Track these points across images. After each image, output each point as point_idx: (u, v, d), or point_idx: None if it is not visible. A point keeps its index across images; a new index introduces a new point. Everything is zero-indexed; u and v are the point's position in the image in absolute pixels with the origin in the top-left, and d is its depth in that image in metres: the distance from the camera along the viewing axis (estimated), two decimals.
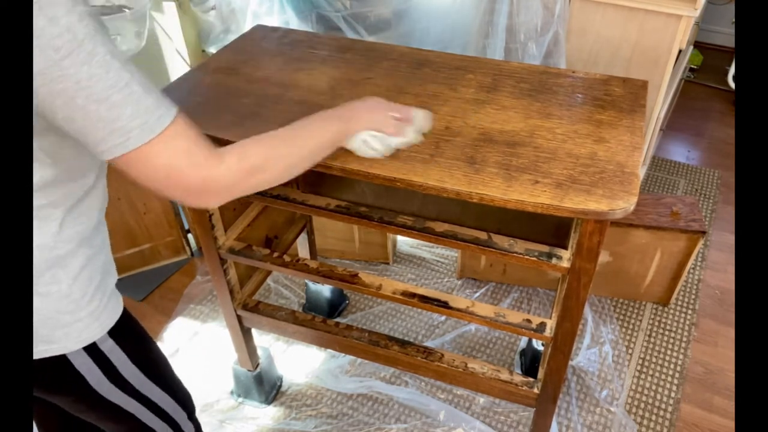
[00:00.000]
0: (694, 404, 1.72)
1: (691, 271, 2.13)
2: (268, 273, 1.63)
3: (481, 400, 1.71)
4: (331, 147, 0.94)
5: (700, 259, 2.18)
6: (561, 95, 1.16)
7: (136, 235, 2.07)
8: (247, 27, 1.90)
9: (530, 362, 1.71)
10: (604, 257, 1.91)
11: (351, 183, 1.28)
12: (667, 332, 1.92)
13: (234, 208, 1.40)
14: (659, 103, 1.79)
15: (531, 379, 1.30)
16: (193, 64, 2.00)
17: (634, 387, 1.76)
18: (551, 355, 1.18)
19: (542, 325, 1.19)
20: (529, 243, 1.10)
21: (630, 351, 1.86)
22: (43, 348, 0.84)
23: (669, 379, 1.78)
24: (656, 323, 1.95)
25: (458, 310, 1.22)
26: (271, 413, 1.70)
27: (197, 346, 1.89)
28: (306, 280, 1.98)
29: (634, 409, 1.70)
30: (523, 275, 2.05)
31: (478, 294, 2.05)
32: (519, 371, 1.69)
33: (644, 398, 1.73)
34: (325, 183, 1.28)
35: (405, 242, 2.24)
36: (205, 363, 1.83)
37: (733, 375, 1.79)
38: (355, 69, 1.26)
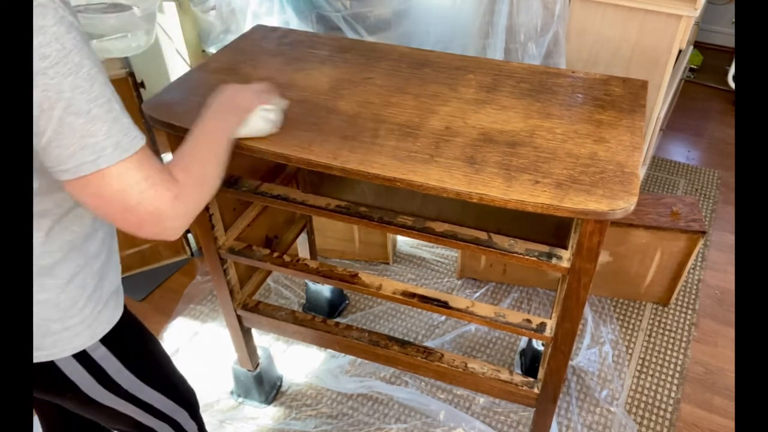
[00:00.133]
0: (694, 404, 1.72)
1: (691, 271, 2.13)
2: (268, 273, 1.63)
3: (481, 400, 1.71)
4: (229, 143, 0.94)
5: (700, 259, 2.18)
6: (561, 95, 1.16)
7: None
8: (247, 27, 1.90)
9: (530, 362, 1.71)
10: (604, 257, 1.91)
11: (351, 183, 1.29)
12: (667, 332, 1.92)
13: (234, 208, 1.40)
14: (659, 103, 1.79)
15: (531, 379, 1.30)
16: (193, 64, 2.00)
17: (634, 387, 1.76)
18: (551, 355, 1.18)
19: (542, 325, 1.19)
20: (529, 243, 1.10)
21: (630, 351, 1.86)
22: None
23: (669, 379, 1.78)
24: (656, 323, 1.95)
25: (458, 310, 1.22)
26: (271, 413, 1.70)
27: (197, 346, 1.89)
28: (306, 280, 1.98)
29: (634, 409, 1.70)
30: (523, 275, 2.05)
31: (478, 294, 2.05)
32: (519, 371, 1.69)
33: (644, 398, 1.73)
34: (325, 183, 1.28)
35: (405, 242, 2.24)
36: (205, 363, 1.83)
37: (733, 375, 1.79)
38: (355, 69, 1.26)
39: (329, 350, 1.84)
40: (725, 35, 3.58)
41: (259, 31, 1.44)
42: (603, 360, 1.82)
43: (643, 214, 1.83)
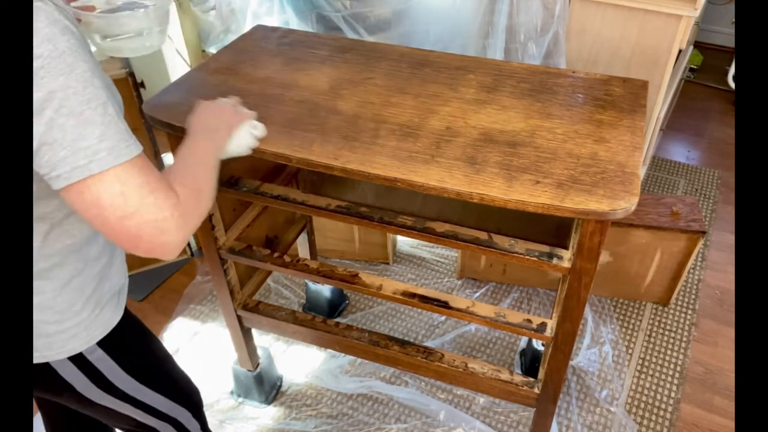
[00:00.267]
0: (694, 404, 1.72)
1: (691, 271, 2.13)
2: (268, 273, 1.63)
3: (481, 400, 1.71)
4: (218, 162, 0.91)
5: (700, 259, 2.18)
6: (561, 95, 1.16)
7: None
8: (247, 27, 1.90)
9: (530, 362, 1.71)
10: (604, 257, 1.91)
11: (351, 183, 1.29)
12: (667, 332, 1.92)
13: (234, 209, 1.40)
14: (659, 103, 1.79)
15: (531, 379, 1.30)
16: (193, 64, 2.00)
17: (634, 387, 1.76)
18: (551, 355, 1.18)
19: (543, 325, 1.19)
20: (530, 243, 1.10)
21: (630, 351, 1.86)
22: None
23: (669, 379, 1.78)
24: (656, 323, 1.95)
25: (458, 310, 1.22)
26: (271, 413, 1.70)
27: (197, 346, 1.89)
28: (306, 280, 1.98)
29: (634, 409, 1.70)
30: (523, 275, 2.05)
31: (478, 294, 2.05)
32: (519, 371, 1.69)
33: (644, 398, 1.73)
34: (325, 183, 1.28)
35: (405, 242, 2.24)
36: (205, 363, 1.83)
37: (733, 375, 1.79)
38: (355, 69, 1.26)
39: (329, 350, 1.84)
40: (725, 35, 3.58)
41: (259, 31, 1.44)
42: (603, 360, 1.82)
43: (643, 214, 1.83)
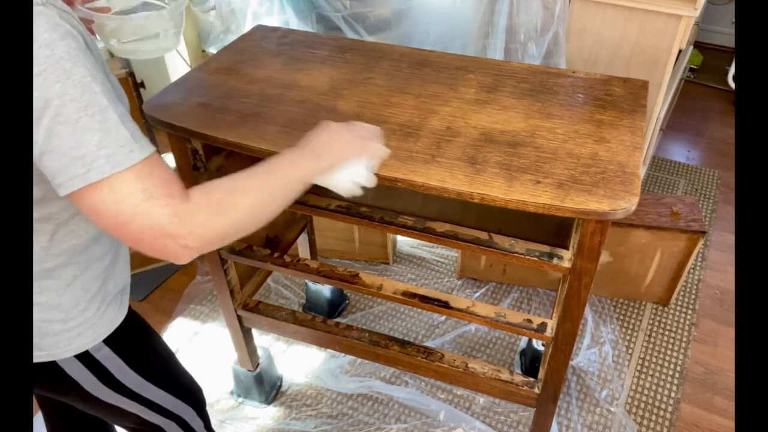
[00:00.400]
0: (694, 404, 1.72)
1: (691, 271, 2.13)
2: (269, 273, 1.63)
3: (481, 400, 1.71)
4: (301, 186, 0.83)
5: (700, 259, 2.18)
6: (561, 95, 1.16)
7: None
8: (247, 27, 1.90)
9: (530, 362, 1.71)
10: (604, 257, 1.91)
11: None
12: (667, 332, 1.92)
13: None
14: (659, 103, 1.79)
15: (531, 379, 1.30)
16: (193, 65, 2.00)
17: (634, 387, 1.76)
18: (552, 355, 1.18)
19: (543, 325, 1.19)
20: (530, 243, 1.10)
21: (630, 351, 1.86)
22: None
23: (669, 379, 1.78)
24: (656, 323, 1.95)
25: (459, 310, 1.22)
26: (271, 413, 1.70)
27: (197, 346, 1.89)
28: (306, 280, 1.98)
29: (634, 409, 1.70)
30: (524, 275, 2.05)
31: (478, 294, 2.05)
32: (519, 371, 1.69)
33: (644, 398, 1.73)
34: None
35: (405, 242, 2.24)
36: (205, 363, 1.83)
37: (733, 375, 1.79)
38: (355, 69, 1.26)
39: (329, 350, 1.84)
40: (725, 35, 3.58)
41: (259, 31, 1.44)
42: (603, 360, 1.82)
43: (643, 214, 1.83)
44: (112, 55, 1.86)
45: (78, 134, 0.63)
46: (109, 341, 0.90)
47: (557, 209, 0.90)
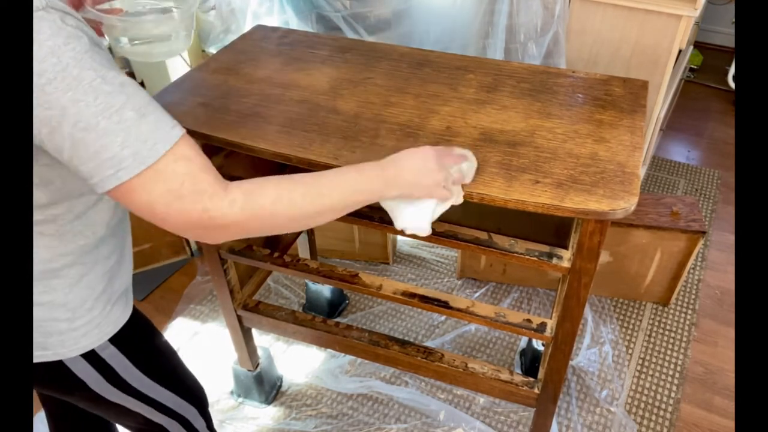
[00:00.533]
0: (694, 404, 1.72)
1: (691, 271, 2.13)
2: (268, 273, 1.63)
3: (481, 400, 1.71)
4: (362, 202, 0.81)
5: (700, 259, 2.18)
6: (561, 95, 1.16)
7: (136, 235, 2.05)
8: (247, 27, 1.90)
9: (530, 362, 1.71)
10: (604, 257, 1.91)
11: None
12: (667, 332, 1.92)
13: None
14: (659, 103, 1.79)
15: (531, 379, 1.30)
16: (194, 65, 2.00)
17: (634, 387, 1.76)
18: (551, 355, 1.18)
19: (542, 325, 1.19)
20: (530, 243, 1.10)
21: (630, 351, 1.86)
22: (37, 353, 0.84)
23: (669, 379, 1.78)
24: (656, 323, 1.95)
25: (458, 310, 1.22)
26: (271, 413, 1.70)
27: (197, 346, 1.89)
28: (306, 280, 1.98)
29: (634, 409, 1.70)
30: (523, 275, 2.05)
31: (478, 294, 2.05)
32: (519, 371, 1.69)
33: (644, 398, 1.73)
34: None
35: (405, 242, 2.24)
36: (205, 363, 1.83)
37: (733, 375, 1.79)
38: (355, 69, 1.26)
39: (329, 350, 1.84)
40: (725, 35, 3.58)
41: (259, 31, 1.44)
42: (603, 360, 1.82)
43: (643, 214, 1.83)
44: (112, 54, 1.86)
45: (101, 139, 0.64)
46: (114, 340, 0.90)
47: (557, 209, 0.90)
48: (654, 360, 1.83)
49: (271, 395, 1.73)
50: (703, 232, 1.78)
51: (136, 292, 2.07)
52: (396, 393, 1.73)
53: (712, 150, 2.82)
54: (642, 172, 2.08)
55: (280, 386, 1.77)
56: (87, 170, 0.65)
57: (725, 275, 2.13)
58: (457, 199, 0.90)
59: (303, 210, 0.75)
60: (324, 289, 1.91)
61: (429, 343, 1.87)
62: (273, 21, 1.91)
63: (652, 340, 1.89)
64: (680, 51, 1.72)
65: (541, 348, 1.66)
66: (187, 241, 2.20)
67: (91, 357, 0.88)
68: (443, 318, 1.95)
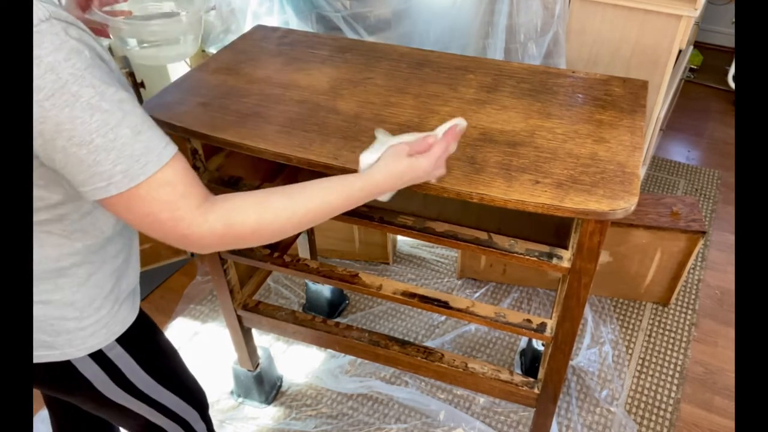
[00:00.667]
0: (694, 404, 1.72)
1: (691, 271, 2.13)
2: (268, 273, 1.63)
3: (481, 400, 1.71)
4: (350, 205, 0.82)
5: (700, 259, 2.18)
6: (561, 95, 1.16)
7: None
8: (247, 27, 1.90)
9: (530, 362, 1.71)
10: (604, 257, 1.91)
11: None
12: (667, 332, 1.92)
13: None
14: (659, 103, 1.79)
15: (531, 379, 1.30)
16: (193, 64, 2.00)
17: (634, 387, 1.76)
18: (551, 355, 1.18)
19: (542, 325, 1.19)
20: (530, 243, 1.10)
21: (630, 351, 1.86)
22: (44, 353, 0.84)
23: (669, 379, 1.78)
24: (656, 323, 1.95)
25: (458, 310, 1.22)
26: (271, 413, 1.70)
27: (197, 346, 1.89)
28: (306, 280, 1.98)
29: (634, 409, 1.70)
30: (523, 275, 2.05)
31: (478, 294, 2.05)
32: (519, 371, 1.69)
33: (644, 398, 1.73)
34: None
35: (405, 242, 2.24)
36: (205, 363, 1.83)
37: (733, 375, 1.79)
38: (355, 69, 1.26)
39: (329, 350, 1.84)
40: (725, 35, 3.58)
41: (259, 31, 1.44)
42: (603, 360, 1.82)
43: (643, 214, 1.83)
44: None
45: (93, 154, 0.65)
46: (121, 340, 0.90)
47: (556, 209, 0.90)
48: (654, 360, 1.83)
49: (271, 395, 1.73)
50: (703, 232, 1.78)
51: None
52: (396, 393, 1.73)
53: (712, 150, 2.82)
54: (642, 172, 2.08)
55: (280, 386, 1.77)
56: (78, 180, 0.67)
57: (725, 275, 2.13)
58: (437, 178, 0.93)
59: (285, 230, 0.76)
60: (324, 289, 1.91)
61: (429, 343, 1.87)
62: (273, 21, 1.91)
63: (652, 340, 1.89)
64: (680, 51, 1.72)
65: (541, 348, 1.66)
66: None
67: (99, 357, 0.88)
68: (443, 318, 1.95)
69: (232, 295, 1.45)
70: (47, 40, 0.61)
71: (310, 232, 1.79)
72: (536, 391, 1.28)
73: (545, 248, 1.09)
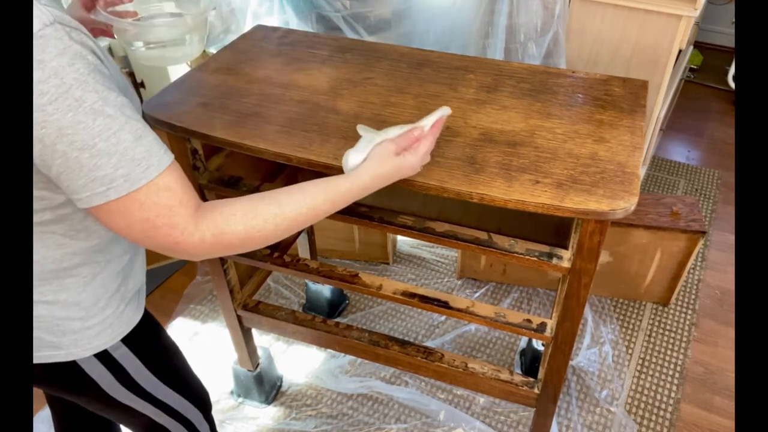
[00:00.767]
0: (694, 404, 1.72)
1: (691, 271, 2.13)
2: (268, 273, 1.63)
3: (481, 400, 1.71)
4: (338, 207, 0.83)
5: (700, 259, 2.18)
6: (561, 95, 1.16)
7: None
8: (247, 27, 1.90)
9: (530, 362, 1.71)
10: (604, 257, 1.91)
11: None
12: (667, 332, 1.92)
13: None
14: (659, 103, 1.79)
15: (531, 379, 1.30)
16: (194, 64, 2.00)
17: (634, 387, 1.76)
18: (551, 355, 1.18)
19: (542, 325, 1.19)
20: (530, 243, 1.10)
21: (630, 351, 1.86)
22: (50, 353, 0.84)
23: (669, 379, 1.78)
24: (656, 323, 1.95)
25: (458, 310, 1.22)
26: (271, 413, 1.70)
27: (197, 346, 1.89)
28: (306, 280, 1.98)
29: (634, 409, 1.70)
30: (523, 275, 2.05)
31: (478, 294, 2.05)
32: (519, 371, 1.69)
33: (644, 398, 1.73)
34: None
35: (405, 242, 2.24)
36: (205, 363, 1.83)
37: (733, 375, 1.79)
38: (355, 69, 1.26)
39: (329, 350, 1.84)
40: (725, 35, 3.58)
41: (259, 31, 1.44)
42: (603, 360, 1.82)
43: (643, 214, 1.83)
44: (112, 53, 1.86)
45: (95, 158, 0.64)
46: (126, 340, 0.90)
47: (556, 209, 0.90)
48: (654, 360, 1.83)
49: (271, 395, 1.73)
50: (703, 232, 1.78)
51: None
52: (396, 393, 1.73)
53: (712, 150, 2.82)
54: (642, 172, 2.08)
55: (280, 386, 1.77)
56: (75, 186, 0.66)
57: (725, 275, 2.13)
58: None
59: (274, 236, 0.77)
60: (324, 289, 1.91)
61: (429, 343, 1.87)
62: (273, 21, 1.91)
63: (652, 340, 1.89)
64: (680, 51, 1.72)
65: (541, 348, 1.66)
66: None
67: (104, 357, 0.88)
68: (443, 318, 1.95)
69: (232, 295, 1.45)
70: (51, 45, 0.61)
71: (310, 232, 1.79)
72: (536, 391, 1.28)
73: (545, 248, 1.09)
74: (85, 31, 0.67)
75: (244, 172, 1.31)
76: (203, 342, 1.91)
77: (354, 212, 1.18)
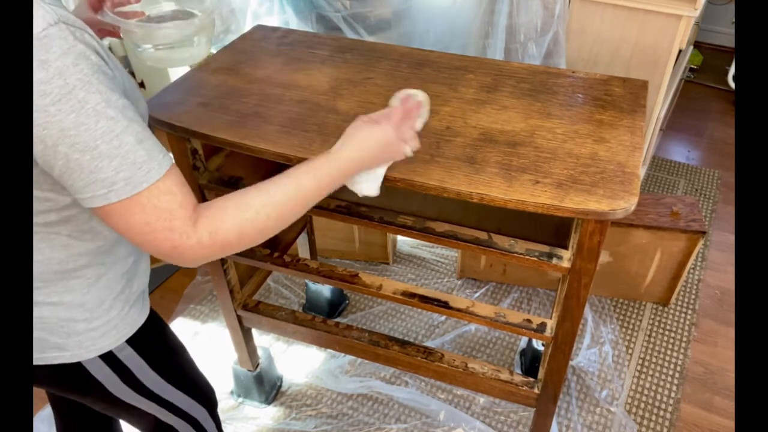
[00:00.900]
0: (694, 404, 1.72)
1: (691, 271, 2.13)
2: (268, 273, 1.63)
3: (481, 400, 1.71)
4: (327, 186, 0.83)
5: (700, 259, 2.18)
6: (561, 95, 1.16)
7: None
8: (247, 27, 1.90)
9: (530, 362, 1.71)
10: (604, 257, 1.91)
11: None
12: (667, 332, 1.92)
13: None
14: (659, 103, 1.79)
15: (531, 379, 1.30)
16: (194, 65, 2.00)
17: (634, 387, 1.76)
18: (551, 355, 1.18)
19: (542, 325, 1.19)
20: (530, 243, 1.10)
21: (630, 351, 1.86)
22: (55, 354, 0.84)
23: (669, 379, 1.78)
24: (656, 323, 1.95)
25: (458, 310, 1.22)
26: (271, 413, 1.70)
27: (197, 346, 1.89)
28: (306, 280, 1.98)
29: (634, 409, 1.70)
30: (523, 275, 2.05)
31: (478, 294, 2.05)
32: (519, 371, 1.69)
33: (644, 398, 1.73)
34: None
35: (405, 242, 2.24)
36: (205, 363, 1.83)
37: (733, 375, 1.79)
38: (355, 69, 1.26)
39: (329, 350, 1.84)
40: (725, 35, 3.58)
41: (259, 31, 1.44)
42: (603, 360, 1.82)
43: (643, 214, 1.83)
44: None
45: (96, 160, 0.64)
46: (131, 341, 0.90)
47: (556, 209, 0.90)
48: (654, 360, 1.83)
49: (271, 395, 1.73)
50: (703, 232, 1.78)
51: None
52: (396, 393, 1.73)
53: (712, 150, 2.82)
54: (642, 172, 2.08)
55: (280, 386, 1.77)
56: (77, 187, 0.66)
57: (725, 275, 2.13)
58: (412, 150, 0.93)
59: (267, 227, 0.76)
60: (324, 289, 1.91)
61: (429, 343, 1.87)
62: (273, 21, 1.91)
63: (652, 340, 1.89)
64: (680, 51, 1.72)
65: (541, 348, 1.66)
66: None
67: (109, 358, 0.88)
68: (443, 318, 1.95)
69: (232, 295, 1.45)
70: (56, 44, 0.60)
71: (310, 232, 1.79)
72: (536, 391, 1.28)
73: (545, 248, 1.09)
74: (90, 31, 0.67)
75: (244, 172, 1.31)
76: (203, 342, 1.91)
77: (354, 212, 1.18)
